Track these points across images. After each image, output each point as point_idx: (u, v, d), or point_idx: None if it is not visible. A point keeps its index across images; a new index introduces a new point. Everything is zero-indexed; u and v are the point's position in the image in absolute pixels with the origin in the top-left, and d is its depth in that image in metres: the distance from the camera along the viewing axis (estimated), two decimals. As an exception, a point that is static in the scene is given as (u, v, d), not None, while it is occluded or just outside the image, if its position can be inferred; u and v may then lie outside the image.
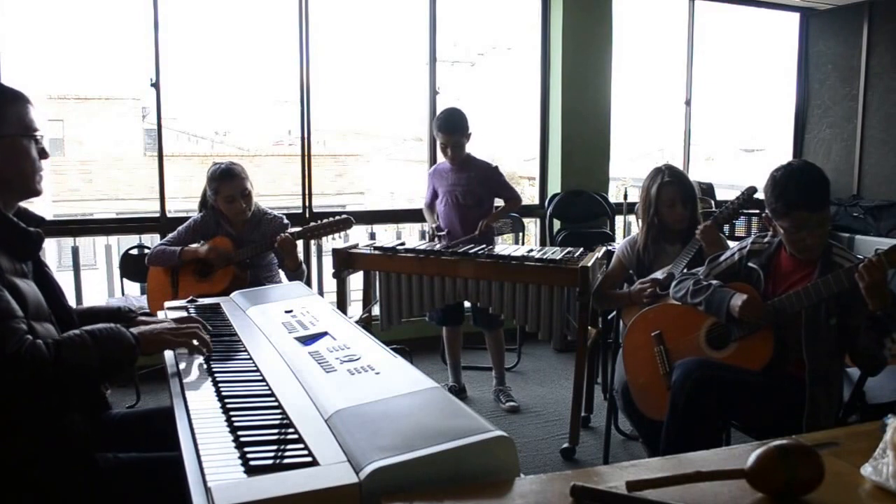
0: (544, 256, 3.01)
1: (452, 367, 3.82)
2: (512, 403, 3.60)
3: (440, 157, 3.75)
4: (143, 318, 1.82)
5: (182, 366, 1.62)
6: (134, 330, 1.55)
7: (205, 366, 1.62)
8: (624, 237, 4.25)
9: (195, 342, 1.64)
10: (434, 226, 3.65)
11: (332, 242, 3.38)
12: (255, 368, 1.58)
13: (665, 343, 2.42)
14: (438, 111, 4.70)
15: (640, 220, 2.91)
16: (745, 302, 2.14)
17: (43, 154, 1.58)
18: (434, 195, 3.70)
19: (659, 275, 2.72)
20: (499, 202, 3.69)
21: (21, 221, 1.55)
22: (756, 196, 2.70)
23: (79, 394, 1.50)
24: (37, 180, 1.57)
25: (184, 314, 2.09)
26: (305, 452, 1.14)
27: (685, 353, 2.32)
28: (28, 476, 1.40)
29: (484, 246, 3.25)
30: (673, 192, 2.78)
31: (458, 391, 3.76)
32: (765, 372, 2.17)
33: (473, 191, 3.54)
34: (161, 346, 1.61)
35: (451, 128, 3.47)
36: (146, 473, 1.50)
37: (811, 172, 2.13)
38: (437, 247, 3.28)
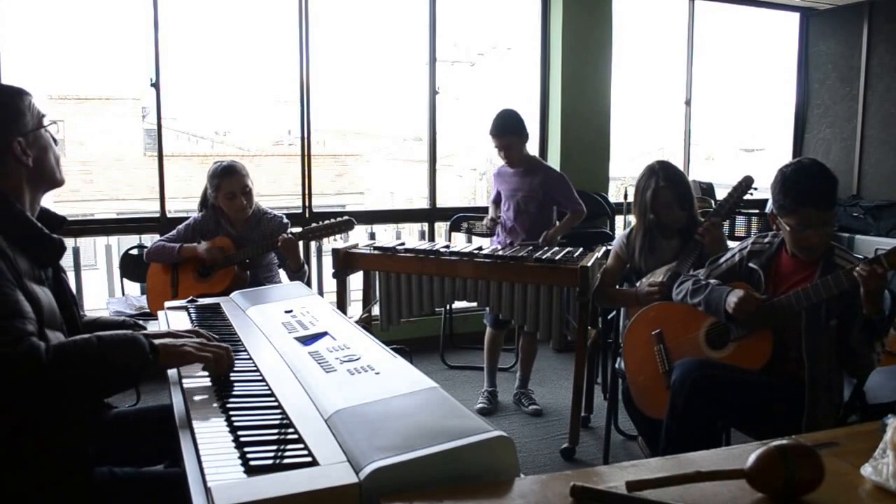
0: (544, 256, 3.01)
1: (489, 371, 3.72)
2: (535, 406, 3.58)
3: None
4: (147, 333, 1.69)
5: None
6: (156, 340, 1.43)
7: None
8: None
9: (217, 361, 1.48)
10: (490, 218, 3.67)
11: (332, 243, 3.38)
12: (255, 368, 1.58)
13: (665, 342, 2.42)
14: (438, 111, 4.72)
15: (635, 220, 2.90)
16: (740, 299, 2.13)
17: (55, 140, 1.58)
18: (498, 193, 3.68)
19: (661, 275, 2.71)
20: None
21: (44, 223, 1.51)
22: (753, 188, 2.70)
23: (81, 404, 1.38)
24: (60, 169, 1.57)
25: (184, 315, 2.09)
26: (305, 452, 1.14)
27: (685, 353, 2.32)
28: (21, 491, 1.34)
29: (479, 247, 3.24)
30: (669, 195, 2.75)
31: (495, 396, 3.70)
32: (764, 372, 2.17)
33: (535, 196, 3.50)
34: (183, 359, 1.46)
35: (499, 130, 3.43)
36: (143, 490, 1.45)
37: (822, 171, 2.12)
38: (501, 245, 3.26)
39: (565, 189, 3.52)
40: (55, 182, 1.56)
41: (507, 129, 3.42)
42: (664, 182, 2.75)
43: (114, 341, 1.36)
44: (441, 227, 4.95)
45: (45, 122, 1.55)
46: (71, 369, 1.29)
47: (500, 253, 3.08)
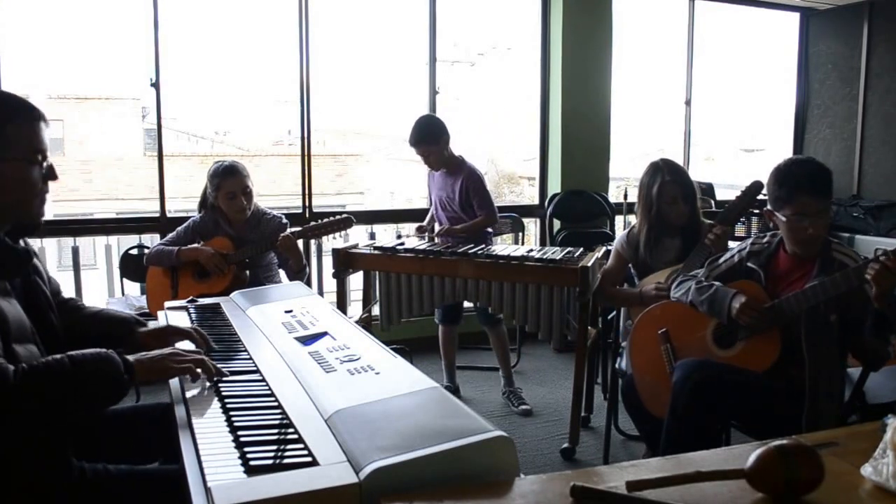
0: (544, 256, 3.01)
1: (447, 367, 3.83)
2: (525, 406, 3.58)
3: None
4: (145, 330, 1.70)
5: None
6: (131, 357, 1.40)
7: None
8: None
9: (199, 370, 1.48)
10: (418, 226, 3.72)
11: (332, 242, 3.38)
12: (255, 368, 1.58)
13: (671, 341, 2.40)
14: (438, 111, 4.71)
15: (638, 216, 2.90)
16: (742, 304, 2.13)
17: (50, 176, 1.44)
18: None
19: (664, 276, 2.71)
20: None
21: (17, 230, 1.44)
22: (763, 193, 2.67)
23: (54, 423, 1.33)
24: (35, 205, 1.43)
25: (184, 315, 2.09)
26: (305, 452, 1.14)
27: (692, 352, 2.31)
28: (6, 489, 1.32)
29: (483, 246, 3.25)
30: (674, 190, 2.77)
31: (453, 391, 3.75)
32: (765, 372, 2.17)
33: (456, 198, 3.51)
34: (161, 374, 1.46)
35: (413, 140, 3.46)
36: (138, 488, 1.44)
37: (814, 162, 2.16)
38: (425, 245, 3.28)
39: (480, 191, 3.48)
40: (21, 217, 1.43)
41: (421, 139, 3.43)
42: (670, 177, 2.77)
43: (86, 361, 1.31)
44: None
45: (37, 155, 1.40)
46: (40, 392, 1.25)
47: (500, 252, 3.08)
